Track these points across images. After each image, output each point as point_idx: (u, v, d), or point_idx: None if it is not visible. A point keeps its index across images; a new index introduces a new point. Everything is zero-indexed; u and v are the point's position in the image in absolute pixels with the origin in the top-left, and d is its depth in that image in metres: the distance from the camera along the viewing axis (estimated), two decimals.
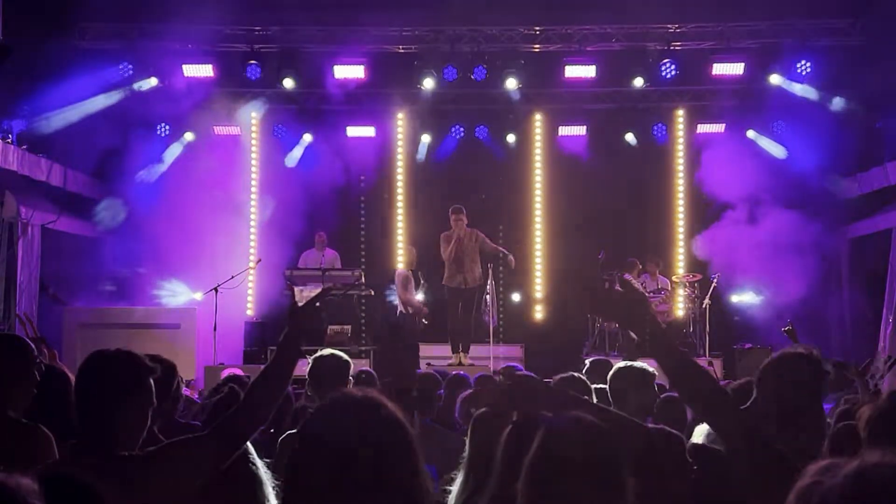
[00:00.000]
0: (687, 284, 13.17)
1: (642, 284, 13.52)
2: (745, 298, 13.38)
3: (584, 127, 13.99)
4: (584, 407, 2.57)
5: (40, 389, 3.68)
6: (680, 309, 13.27)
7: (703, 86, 13.46)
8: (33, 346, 3.67)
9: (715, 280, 12.76)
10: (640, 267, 12.91)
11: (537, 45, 13.15)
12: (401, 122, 14.15)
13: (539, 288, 14.13)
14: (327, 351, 4.30)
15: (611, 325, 13.17)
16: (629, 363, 4.52)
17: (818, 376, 2.95)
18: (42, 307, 11.81)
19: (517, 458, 2.21)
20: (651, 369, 4.42)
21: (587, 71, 12.96)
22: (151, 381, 2.88)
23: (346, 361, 4.20)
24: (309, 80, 13.27)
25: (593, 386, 4.36)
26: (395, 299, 12.20)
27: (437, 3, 12.60)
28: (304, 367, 5.64)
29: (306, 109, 13.87)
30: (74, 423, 2.88)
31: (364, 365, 11.53)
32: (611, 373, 4.44)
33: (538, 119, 14.13)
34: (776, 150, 13.55)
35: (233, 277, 11.95)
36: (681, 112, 14.00)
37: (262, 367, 3.14)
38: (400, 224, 14.19)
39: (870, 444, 2.82)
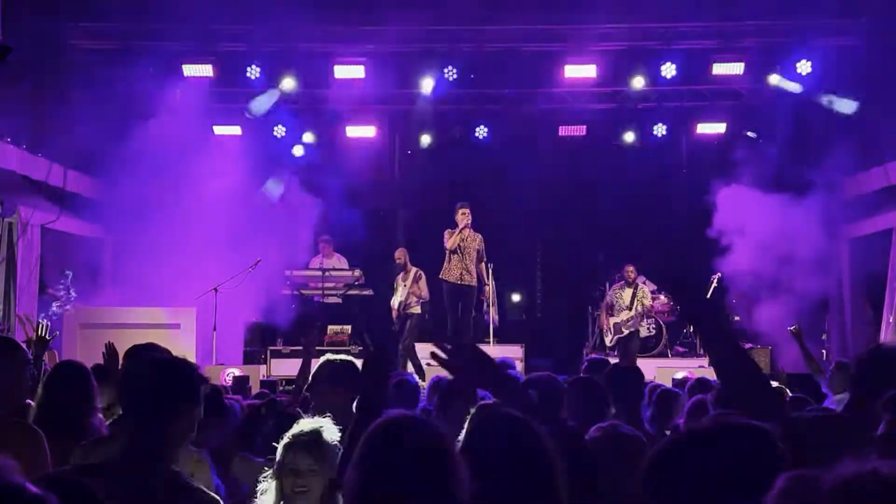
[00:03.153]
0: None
1: (643, 283, 13.54)
2: (744, 298, 13.37)
3: (585, 127, 13.99)
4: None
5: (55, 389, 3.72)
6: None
7: (703, 86, 13.46)
8: (25, 346, 3.67)
9: (715, 280, 12.75)
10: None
11: (537, 45, 13.14)
12: (401, 122, 14.14)
13: (539, 288, 14.12)
14: (337, 356, 4.25)
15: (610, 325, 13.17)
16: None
17: None
18: (42, 307, 11.80)
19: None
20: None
21: (587, 71, 12.95)
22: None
23: (354, 364, 4.15)
24: (309, 80, 13.26)
25: None
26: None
27: (437, 3, 12.59)
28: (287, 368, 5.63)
29: (306, 109, 13.86)
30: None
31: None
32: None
33: (538, 119, 14.12)
34: (775, 150, 13.54)
35: (232, 277, 11.96)
36: (681, 112, 13.99)
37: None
38: (400, 224, 14.19)
39: None
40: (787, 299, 12.34)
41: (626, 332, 12.19)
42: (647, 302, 12.28)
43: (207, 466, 3.56)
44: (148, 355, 3.65)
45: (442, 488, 2.08)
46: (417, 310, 12.36)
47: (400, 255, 12.52)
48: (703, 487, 1.58)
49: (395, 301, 12.39)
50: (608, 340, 12.47)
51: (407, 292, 12.17)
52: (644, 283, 12.64)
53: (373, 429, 2.20)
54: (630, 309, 12.20)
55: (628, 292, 12.33)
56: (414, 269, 12.35)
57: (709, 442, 1.65)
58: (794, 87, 12.77)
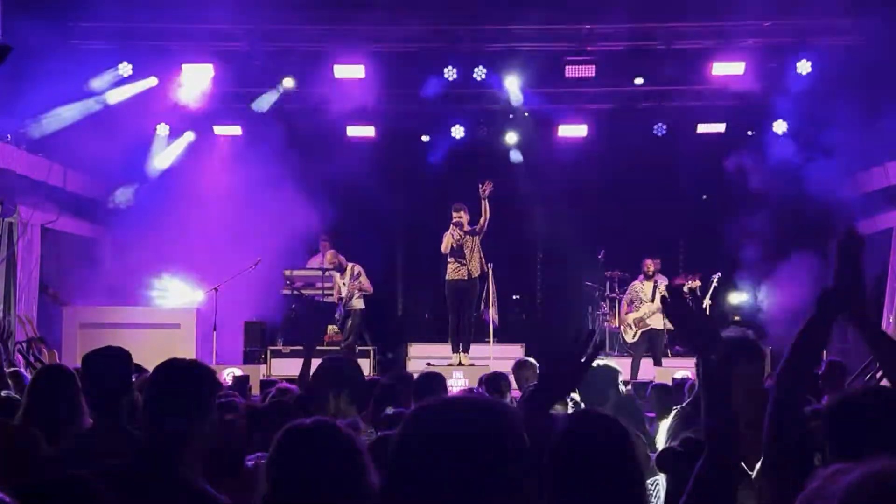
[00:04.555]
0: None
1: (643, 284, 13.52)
2: (744, 298, 13.38)
3: (585, 127, 13.98)
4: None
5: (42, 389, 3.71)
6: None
7: (703, 86, 13.45)
8: (25, 346, 3.69)
9: (715, 280, 12.75)
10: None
11: (537, 45, 13.14)
12: (400, 121, 14.13)
13: (539, 287, 14.12)
14: (337, 356, 4.26)
15: (611, 325, 13.17)
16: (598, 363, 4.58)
17: None
18: (42, 307, 11.81)
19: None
20: (617, 367, 4.56)
21: (587, 71, 12.95)
22: None
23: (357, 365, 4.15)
24: (309, 80, 13.26)
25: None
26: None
27: (437, 3, 12.58)
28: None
29: (306, 109, 13.86)
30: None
31: (364, 366, 11.54)
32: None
33: (538, 119, 14.12)
34: (775, 150, 13.54)
35: (232, 277, 11.97)
36: (681, 112, 13.98)
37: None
38: (399, 224, 14.19)
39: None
40: (786, 299, 12.33)
41: (649, 325, 12.08)
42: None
43: None
44: (108, 356, 3.60)
45: (352, 495, 2.06)
46: (360, 305, 12.29)
47: (331, 257, 12.44)
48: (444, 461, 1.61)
49: (335, 296, 12.40)
50: (630, 336, 12.30)
51: (347, 288, 12.09)
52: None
53: (281, 436, 2.16)
54: (652, 301, 12.10)
55: (648, 286, 12.21)
56: (351, 265, 12.28)
57: (450, 417, 1.67)
58: (793, 86, 12.73)
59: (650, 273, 12.32)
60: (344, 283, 12.27)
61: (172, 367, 2.79)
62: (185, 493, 2.57)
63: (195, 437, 2.68)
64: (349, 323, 12.25)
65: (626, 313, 12.33)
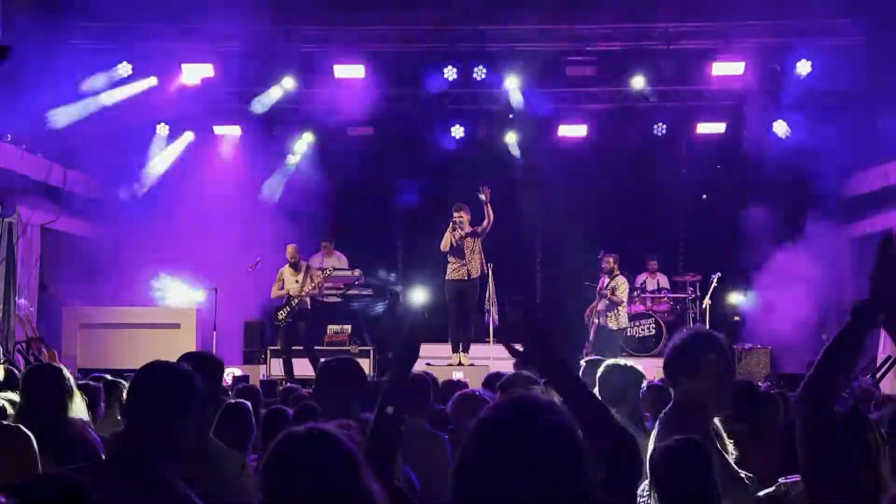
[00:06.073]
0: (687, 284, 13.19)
1: (642, 284, 13.53)
2: (744, 298, 13.38)
3: (585, 127, 13.98)
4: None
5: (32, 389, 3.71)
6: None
7: (703, 86, 13.45)
8: (25, 346, 3.71)
9: (715, 280, 12.74)
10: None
11: (537, 45, 13.14)
12: (400, 121, 14.13)
13: (539, 287, 14.12)
14: (337, 356, 4.25)
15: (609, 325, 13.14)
16: (617, 361, 4.59)
17: None
18: (42, 307, 11.81)
19: None
20: (640, 368, 4.55)
21: (587, 71, 12.95)
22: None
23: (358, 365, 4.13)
24: (309, 80, 13.27)
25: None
26: None
27: (437, 3, 12.59)
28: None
29: (306, 109, 13.86)
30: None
31: (364, 367, 11.50)
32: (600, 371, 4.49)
33: (538, 118, 14.11)
34: (775, 151, 13.54)
35: (232, 277, 11.97)
36: (681, 112, 13.98)
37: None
38: (399, 224, 14.19)
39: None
40: (786, 299, 12.33)
41: (596, 321, 11.87)
42: (621, 294, 11.77)
43: None
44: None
45: (347, 502, 2.04)
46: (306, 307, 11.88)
47: (291, 252, 11.93)
48: None
49: (281, 293, 11.81)
50: (591, 334, 12.07)
51: (300, 288, 11.66)
52: (626, 276, 12.34)
53: (276, 443, 2.12)
54: (599, 298, 11.93)
55: (604, 282, 12.01)
56: (305, 265, 11.93)
57: None
58: (793, 86, 12.74)
59: (605, 269, 12.00)
60: (297, 281, 11.77)
61: (151, 369, 2.79)
62: (161, 494, 2.54)
63: (177, 439, 2.66)
64: (301, 323, 11.63)
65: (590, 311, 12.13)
